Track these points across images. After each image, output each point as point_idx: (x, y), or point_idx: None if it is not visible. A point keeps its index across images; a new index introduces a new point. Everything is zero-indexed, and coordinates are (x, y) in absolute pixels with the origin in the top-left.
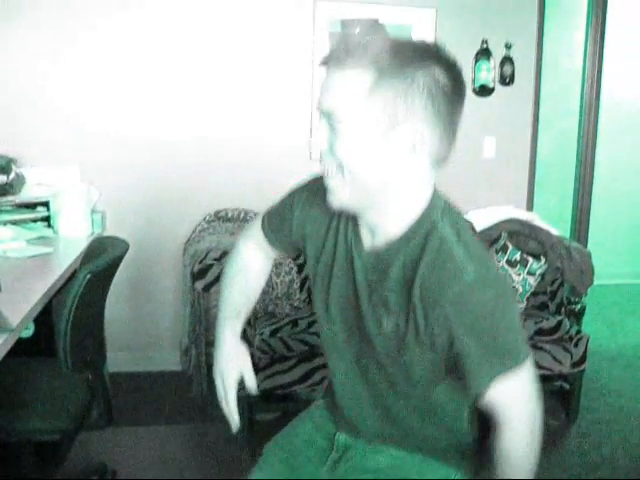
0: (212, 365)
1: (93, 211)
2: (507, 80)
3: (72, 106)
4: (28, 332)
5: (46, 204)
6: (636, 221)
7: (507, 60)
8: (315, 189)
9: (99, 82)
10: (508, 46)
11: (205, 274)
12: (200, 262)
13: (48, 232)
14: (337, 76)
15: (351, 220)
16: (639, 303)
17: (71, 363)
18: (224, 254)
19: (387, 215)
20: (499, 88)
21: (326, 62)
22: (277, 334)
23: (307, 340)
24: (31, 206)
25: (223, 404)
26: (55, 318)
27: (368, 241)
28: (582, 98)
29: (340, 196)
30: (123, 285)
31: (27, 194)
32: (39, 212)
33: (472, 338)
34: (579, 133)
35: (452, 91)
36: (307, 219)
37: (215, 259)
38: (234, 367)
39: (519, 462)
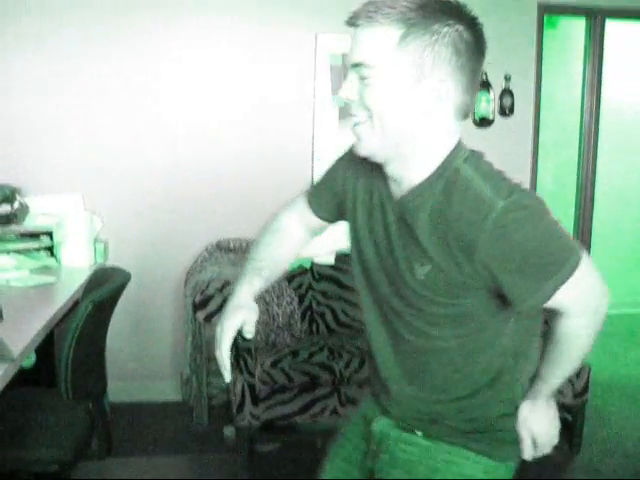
0: (213, 396)
1: (96, 240)
2: (507, 111)
3: (75, 135)
4: (30, 362)
5: (49, 233)
6: (636, 251)
7: (506, 92)
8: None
9: (102, 112)
10: (507, 78)
11: (206, 304)
12: (202, 292)
13: (51, 261)
14: (367, 31)
15: (382, 174)
16: None
17: (72, 393)
18: (226, 284)
19: (412, 164)
20: (499, 119)
21: (354, 20)
22: (278, 365)
23: (308, 371)
24: (35, 235)
25: (217, 353)
26: (57, 348)
27: (396, 192)
28: (581, 128)
29: (368, 144)
30: (124, 315)
31: (31, 223)
32: (42, 241)
33: (520, 263)
34: (579, 163)
35: (474, 47)
36: (348, 179)
37: (217, 289)
38: (237, 316)
39: (575, 348)
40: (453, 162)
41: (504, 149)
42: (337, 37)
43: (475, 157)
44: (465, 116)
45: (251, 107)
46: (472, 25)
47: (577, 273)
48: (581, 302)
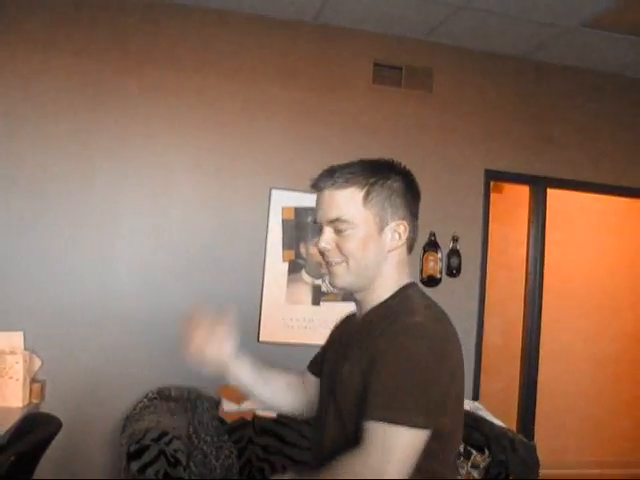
0: None
1: (33, 380)
2: (454, 271)
3: (19, 272)
4: None
5: None
6: (582, 409)
7: (454, 252)
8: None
9: (46, 249)
10: (455, 239)
11: (141, 455)
12: (137, 442)
13: None
14: (337, 193)
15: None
16: None
17: None
18: (163, 435)
19: (375, 289)
20: (446, 279)
21: (320, 185)
22: None
23: None
24: None
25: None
26: None
27: (358, 314)
28: (526, 284)
29: (344, 279)
30: (53, 462)
31: None
32: None
33: (385, 375)
34: (524, 319)
35: (415, 192)
36: (333, 334)
37: (153, 439)
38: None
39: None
40: (406, 290)
41: (451, 307)
42: (289, 194)
43: (426, 295)
44: (412, 249)
45: (202, 254)
46: (408, 175)
47: (413, 432)
48: (378, 452)
